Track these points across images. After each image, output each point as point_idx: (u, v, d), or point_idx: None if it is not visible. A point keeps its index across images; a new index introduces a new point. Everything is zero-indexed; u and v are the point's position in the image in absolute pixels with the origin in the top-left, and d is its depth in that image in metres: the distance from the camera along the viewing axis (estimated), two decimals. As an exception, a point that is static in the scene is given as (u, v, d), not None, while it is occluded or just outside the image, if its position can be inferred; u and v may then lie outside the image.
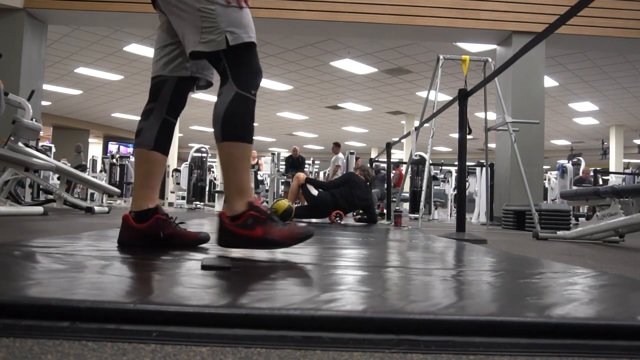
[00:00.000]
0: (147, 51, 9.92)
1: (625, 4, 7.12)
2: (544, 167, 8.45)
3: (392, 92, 12.88)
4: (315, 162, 16.96)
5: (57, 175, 8.20)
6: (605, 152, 16.09)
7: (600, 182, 11.48)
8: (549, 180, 12.70)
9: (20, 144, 5.16)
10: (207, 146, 11.43)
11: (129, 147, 20.69)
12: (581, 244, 3.51)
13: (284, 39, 8.98)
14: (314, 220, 5.28)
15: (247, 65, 1.51)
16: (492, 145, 7.91)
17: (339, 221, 5.06)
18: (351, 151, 8.45)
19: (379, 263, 1.61)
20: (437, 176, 11.39)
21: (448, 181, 12.20)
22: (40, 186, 6.85)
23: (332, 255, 1.71)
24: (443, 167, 12.26)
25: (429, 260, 1.72)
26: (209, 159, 11.43)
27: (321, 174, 15.38)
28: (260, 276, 1.21)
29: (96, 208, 5.67)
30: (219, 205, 9.59)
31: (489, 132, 6.41)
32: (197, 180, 10.94)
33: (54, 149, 10.53)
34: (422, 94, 11.79)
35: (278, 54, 9.96)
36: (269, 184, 10.53)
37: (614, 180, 12.71)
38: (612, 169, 14.77)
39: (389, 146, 7.04)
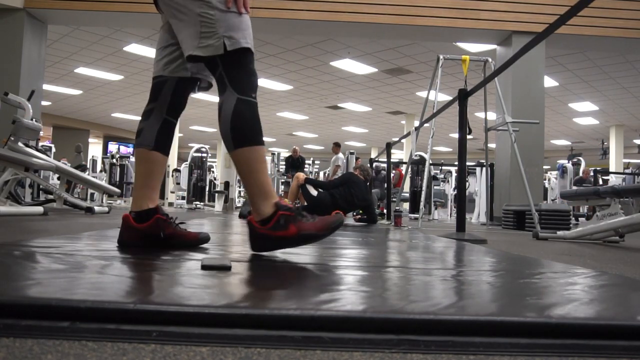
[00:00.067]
0: (147, 51, 9.92)
1: (625, 4, 7.12)
2: (544, 167, 8.45)
3: (392, 92, 12.88)
4: (315, 162, 16.97)
5: (57, 175, 8.20)
6: (605, 152, 16.09)
7: (600, 182, 11.48)
8: (549, 180, 12.71)
9: (20, 144, 5.16)
10: (207, 146, 11.43)
11: (129, 147, 20.70)
12: (581, 244, 3.51)
13: (284, 39, 8.98)
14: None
15: (243, 70, 1.51)
16: (492, 145, 7.91)
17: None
18: (351, 151, 8.47)
19: (379, 263, 1.61)
20: (437, 176, 11.39)
21: (448, 181, 12.20)
22: (40, 186, 6.85)
23: (332, 255, 1.71)
24: (443, 167, 12.26)
25: (429, 260, 1.72)
26: (209, 159, 11.43)
27: (321, 174, 15.39)
28: (260, 276, 1.21)
29: (96, 208, 5.67)
30: (218, 205, 9.58)
31: (489, 132, 6.41)
32: (197, 180, 10.94)
33: (54, 149, 10.53)
34: (422, 94, 11.79)
35: (278, 54, 9.96)
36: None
37: (614, 180, 12.72)
38: (612, 169, 14.77)
39: (389, 146, 7.04)
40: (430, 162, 6.61)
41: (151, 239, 1.64)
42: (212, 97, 13.31)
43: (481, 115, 7.47)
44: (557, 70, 10.08)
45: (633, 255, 2.75)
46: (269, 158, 10.39)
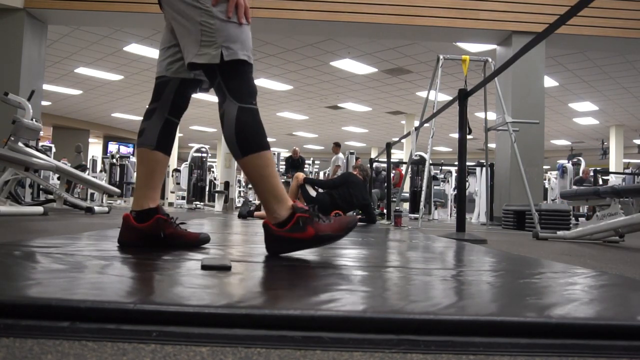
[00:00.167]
0: (147, 51, 9.92)
1: (625, 4, 7.12)
2: (544, 167, 8.45)
3: (392, 92, 12.88)
4: (315, 162, 16.97)
5: (57, 175, 8.20)
6: (605, 152, 16.09)
7: (600, 182, 11.48)
8: (549, 180, 12.71)
9: (20, 144, 5.16)
10: (207, 146, 11.43)
11: (129, 147, 20.70)
12: (581, 244, 3.51)
13: (284, 39, 8.98)
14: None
15: (240, 80, 1.51)
16: (492, 145, 7.91)
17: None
18: (351, 151, 8.48)
19: (379, 263, 1.61)
20: (437, 176, 11.40)
21: (448, 181, 12.21)
22: (40, 186, 6.85)
23: (331, 255, 1.71)
24: (443, 167, 12.26)
25: (429, 260, 1.72)
26: (209, 159, 11.43)
27: (321, 174, 15.39)
28: (260, 276, 1.21)
29: (96, 208, 5.67)
30: (218, 205, 9.58)
31: (489, 132, 6.41)
32: (197, 180, 10.94)
33: (54, 149, 10.54)
34: (422, 94, 11.79)
35: (278, 54, 9.96)
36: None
37: (614, 180, 12.72)
38: (612, 169, 14.77)
39: (389, 146, 7.04)
40: (430, 162, 6.61)
41: (151, 239, 1.64)
42: (212, 97, 13.27)
43: (481, 115, 7.47)
44: (557, 70, 10.08)
45: (633, 255, 2.75)
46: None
